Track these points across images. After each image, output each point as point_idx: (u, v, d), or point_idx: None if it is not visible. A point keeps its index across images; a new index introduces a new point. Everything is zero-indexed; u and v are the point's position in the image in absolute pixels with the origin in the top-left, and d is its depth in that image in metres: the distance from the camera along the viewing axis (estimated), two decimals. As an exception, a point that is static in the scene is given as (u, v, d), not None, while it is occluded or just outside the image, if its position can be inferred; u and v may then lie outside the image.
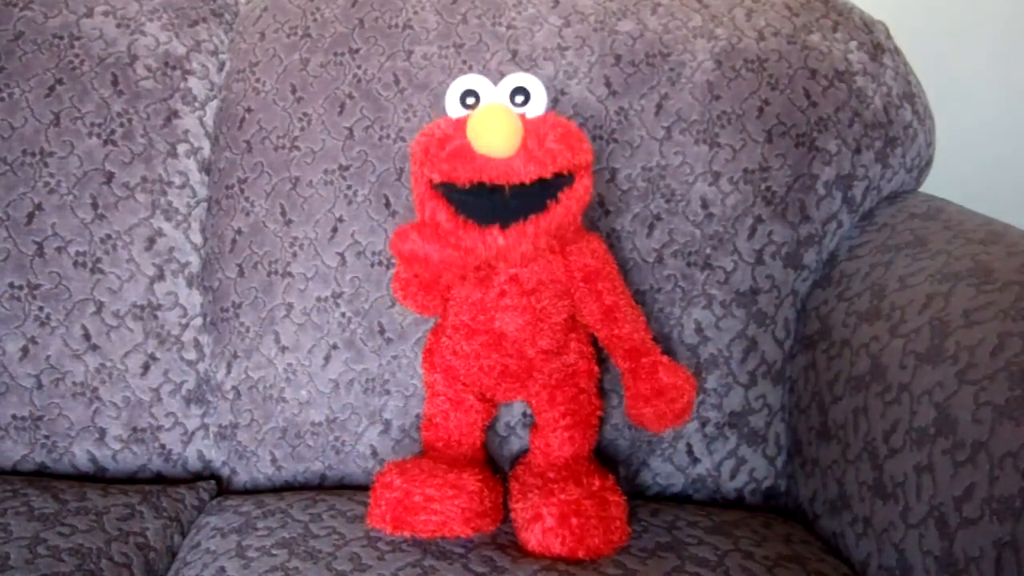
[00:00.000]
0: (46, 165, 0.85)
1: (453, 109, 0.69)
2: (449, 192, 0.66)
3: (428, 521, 0.69)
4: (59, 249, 0.84)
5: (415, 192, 0.69)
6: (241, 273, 0.85)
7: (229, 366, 0.85)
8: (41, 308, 0.84)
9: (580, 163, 0.67)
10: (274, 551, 0.69)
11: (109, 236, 0.85)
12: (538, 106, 0.68)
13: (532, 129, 0.66)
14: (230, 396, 0.85)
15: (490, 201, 0.65)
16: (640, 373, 0.73)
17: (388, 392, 0.82)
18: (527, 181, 0.65)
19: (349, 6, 0.88)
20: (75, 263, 0.84)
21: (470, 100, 0.68)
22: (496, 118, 0.64)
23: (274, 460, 0.84)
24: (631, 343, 0.73)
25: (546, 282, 0.72)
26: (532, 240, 0.67)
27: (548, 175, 0.65)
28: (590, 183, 0.68)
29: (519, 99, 0.68)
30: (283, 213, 0.84)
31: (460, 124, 0.66)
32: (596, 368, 0.77)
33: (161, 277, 0.86)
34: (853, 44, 0.86)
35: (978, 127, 1.17)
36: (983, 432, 0.57)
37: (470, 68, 0.84)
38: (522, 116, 0.67)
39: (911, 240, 0.77)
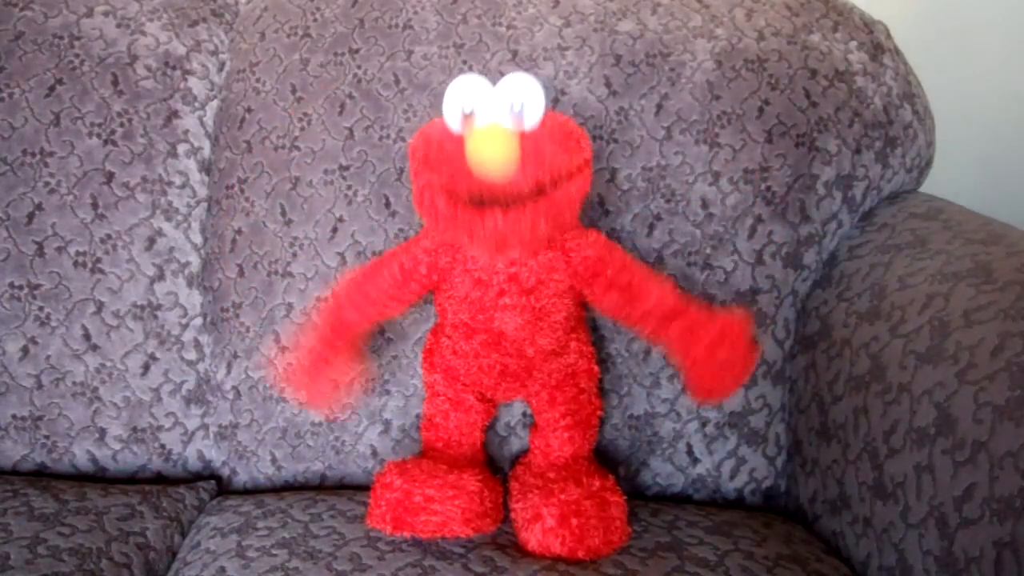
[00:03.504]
0: (46, 165, 0.85)
1: (452, 120, 0.68)
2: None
3: (428, 521, 0.69)
4: (59, 249, 0.84)
5: (415, 185, 0.68)
6: (241, 273, 0.85)
7: (229, 366, 0.85)
8: (41, 308, 0.84)
9: (579, 164, 0.67)
10: (274, 551, 0.69)
11: (109, 236, 0.85)
12: (535, 114, 0.68)
13: (529, 144, 0.65)
14: (230, 396, 0.85)
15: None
16: (692, 329, 0.70)
17: (388, 392, 0.82)
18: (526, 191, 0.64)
19: (349, 6, 0.88)
20: (75, 263, 0.84)
21: (468, 109, 0.68)
22: (493, 144, 0.64)
23: (274, 460, 0.84)
24: (662, 309, 0.71)
25: (546, 281, 0.72)
26: (531, 224, 0.65)
27: (547, 184, 0.65)
28: (589, 173, 0.68)
29: (517, 106, 0.67)
30: (283, 213, 0.84)
31: (459, 141, 0.66)
32: (596, 368, 0.77)
33: (161, 277, 0.86)
34: (853, 44, 0.86)
35: (978, 127, 1.17)
36: (983, 432, 0.57)
37: (470, 68, 0.84)
38: (520, 132, 0.66)
39: (911, 240, 0.77)
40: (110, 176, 0.85)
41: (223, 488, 0.86)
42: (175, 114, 0.87)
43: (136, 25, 0.88)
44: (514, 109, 0.67)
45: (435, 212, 0.67)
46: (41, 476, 0.83)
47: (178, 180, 0.87)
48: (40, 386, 0.84)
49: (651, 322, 0.71)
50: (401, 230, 0.82)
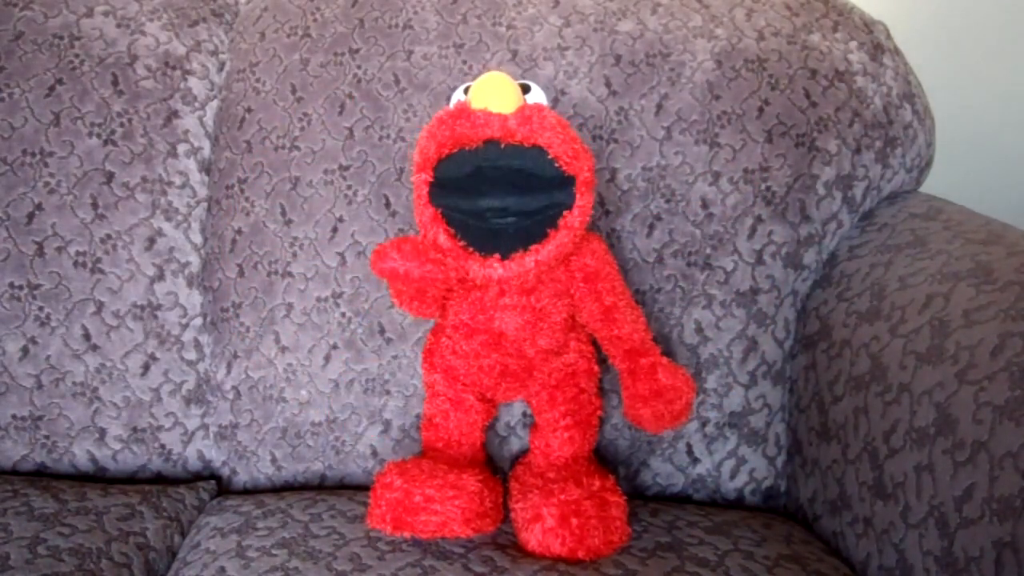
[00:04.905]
0: (46, 165, 0.85)
1: (456, 96, 0.71)
2: (450, 213, 0.68)
3: (428, 522, 0.69)
4: (59, 249, 0.84)
5: (417, 216, 0.70)
6: (241, 273, 0.85)
7: (229, 366, 0.85)
8: (41, 308, 0.84)
9: (578, 161, 0.67)
10: (274, 551, 0.69)
11: (109, 236, 0.85)
12: (538, 98, 0.70)
13: (532, 107, 0.68)
14: (230, 396, 0.85)
15: (491, 228, 0.67)
16: (639, 374, 0.73)
17: (388, 392, 0.82)
18: (525, 143, 0.66)
19: (349, 6, 0.88)
20: (75, 263, 0.84)
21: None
22: (496, 78, 0.68)
23: (274, 460, 0.84)
24: (630, 343, 0.73)
25: (545, 281, 0.72)
26: (532, 270, 0.68)
27: (544, 143, 0.66)
28: (590, 204, 0.69)
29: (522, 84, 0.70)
30: (283, 213, 0.84)
31: (460, 103, 0.69)
32: (596, 368, 0.77)
33: (161, 277, 0.86)
34: (853, 44, 0.86)
35: (978, 127, 1.17)
36: (983, 432, 0.57)
37: (470, 68, 0.84)
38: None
39: (911, 240, 0.77)
40: (110, 176, 0.85)
41: (223, 488, 0.86)
42: (175, 114, 0.87)
43: (136, 25, 0.88)
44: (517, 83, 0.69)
45: (440, 249, 0.69)
46: (41, 476, 0.83)
47: (178, 180, 0.87)
48: (40, 386, 0.84)
49: (612, 347, 0.74)
50: (401, 230, 0.82)
